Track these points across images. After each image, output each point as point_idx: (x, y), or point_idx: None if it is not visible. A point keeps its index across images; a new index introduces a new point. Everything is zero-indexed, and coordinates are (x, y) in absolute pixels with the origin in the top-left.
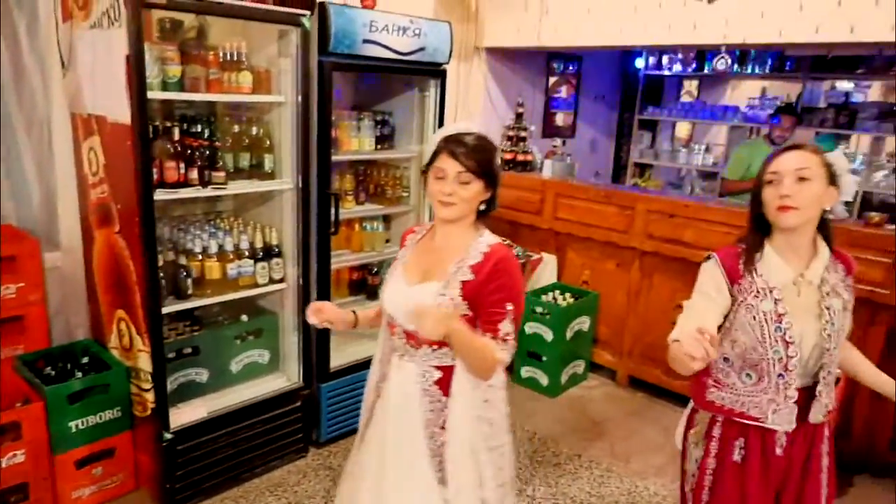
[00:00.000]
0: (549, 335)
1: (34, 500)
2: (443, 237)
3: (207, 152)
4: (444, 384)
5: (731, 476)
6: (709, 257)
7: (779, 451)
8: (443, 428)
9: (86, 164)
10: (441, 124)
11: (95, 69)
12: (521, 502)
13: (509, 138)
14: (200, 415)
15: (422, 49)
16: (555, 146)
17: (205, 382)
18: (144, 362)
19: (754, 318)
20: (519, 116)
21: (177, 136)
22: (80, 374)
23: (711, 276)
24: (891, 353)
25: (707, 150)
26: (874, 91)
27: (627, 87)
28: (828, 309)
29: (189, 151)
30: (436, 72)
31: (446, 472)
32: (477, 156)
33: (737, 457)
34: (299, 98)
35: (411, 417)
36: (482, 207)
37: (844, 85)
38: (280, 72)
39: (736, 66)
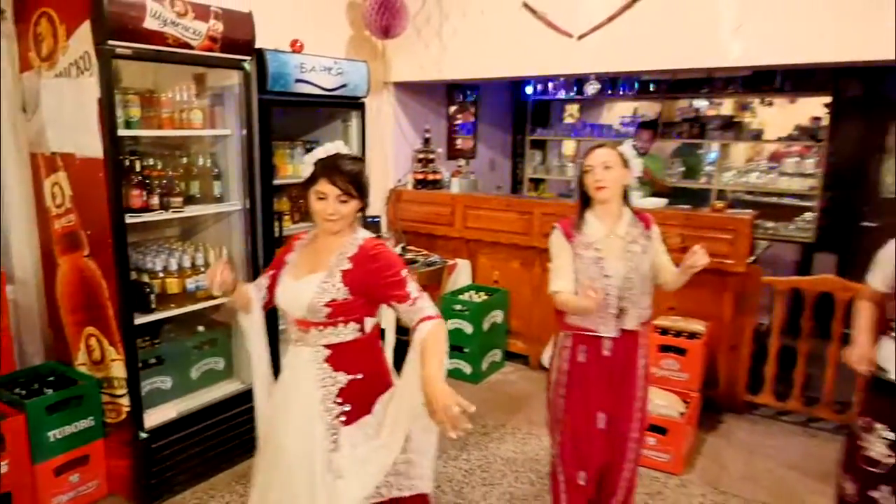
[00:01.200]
0: (468, 329)
1: None
2: (324, 239)
3: (165, 181)
4: (334, 360)
5: (578, 372)
6: (554, 228)
7: (606, 352)
8: (337, 402)
9: (48, 199)
10: (363, 150)
11: (62, 112)
12: (459, 466)
13: (419, 160)
14: (171, 415)
15: (344, 86)
16: (459, 166)
17: (169, 389)
18: (118, 370)
19: (584, 262)
20: (426, 141)
21: (138, 168)
22: (51, 391)
23: (557, 240)
24: (738, 310)
25: None
26: (727, 106)
27: (518, 112)
28: (630, 252)
29: (150, 181)
30: (356, 104)
31: (340, 441)
32: (352, 178)
33: (581, 358)
34: (243, 131)
35: (309, 394)
36: (358, 215)
37: (702, 102)
38: (225, 108)
39: (610, 90)
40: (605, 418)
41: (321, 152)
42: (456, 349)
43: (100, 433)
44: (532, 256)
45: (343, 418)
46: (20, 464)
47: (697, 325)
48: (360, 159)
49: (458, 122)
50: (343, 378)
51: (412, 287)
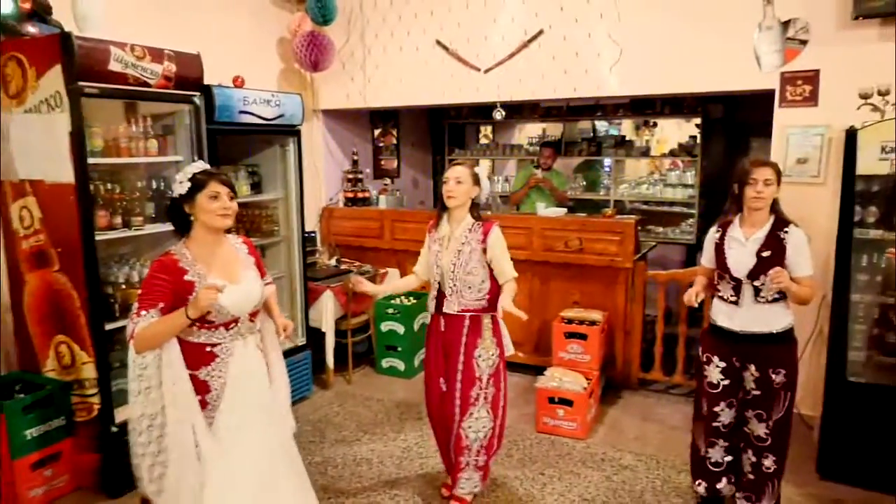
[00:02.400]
0: (401, 329)
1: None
2: (216, 246)
3: (126, 202)
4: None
5: (427, 343)
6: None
7: (441, 328)
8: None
9: (16, 221)
10: (300, 172)
11: (31, 144)
12: (397, 446)
13: (349, 180)
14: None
15: (282, 115)
16: (385, 184)
17: None
18: (89, 371)
19: (431, 253)
20: (355, 163)
21: (103, 192)
22: (23, 395)
23: (426, 236)
24: (629, 300)
25: (506, 180)
26: (625, 126)
27: (437, 135)
28: (459, 252)
29: (113, 202)
30: (293, 132)
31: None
32: (230, 181)
33: (433, 332)
34: (194, 157)
35: (261, 374)
36: None
37: (602, 123)
38: (177, 137)
39: (518, 114)
40: (444, 382)
41: (194, 168)
42: (390, 349)
43: (70, 431)
44: None
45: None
46: (1, 460)
47: (596, 315)
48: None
49: (382, 144)
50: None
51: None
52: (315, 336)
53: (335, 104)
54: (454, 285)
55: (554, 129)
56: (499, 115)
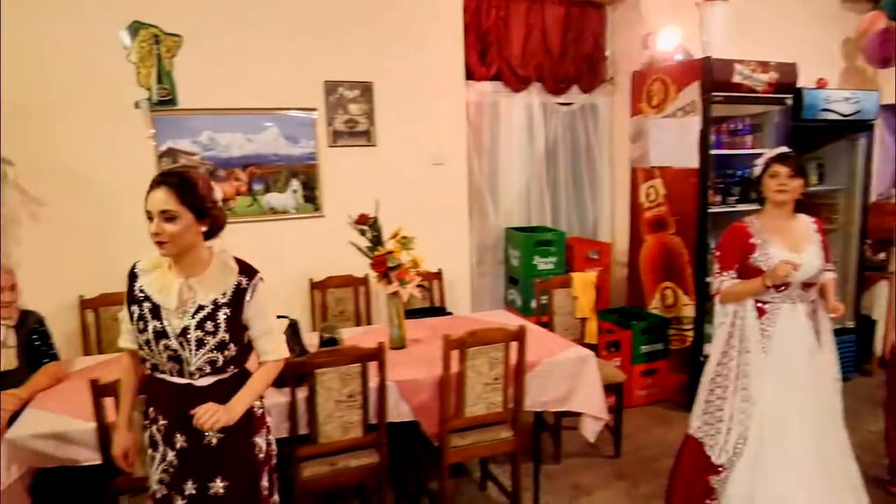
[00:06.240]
0: None
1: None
2: (784, 220)
3: (724, 185)
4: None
5: None
6: None
7: None
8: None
9: (642, 196)
10: (868, 166)
11: (663, 140)
12: None
13: None
14: None
15: (858, 112)
16: None
17: None
18: (688, 311)
19: None
20: None
21: (712, 176)
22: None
23: None
24: None
25: None
26: None
27: None
28: None
29: (716, 184)
30: (865, 126)
31: None
32: (794, 162)
33: None
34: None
35: (808, 340)
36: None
37: None
38: (764, 133)
39: None
40: None
41: (772, 152)
42: None
43: (665, 355)
44: None
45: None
46: (626, 363)
47: None
48: None
49: None
50: None
51: None
52: (864, 323)
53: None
54: None
55: None
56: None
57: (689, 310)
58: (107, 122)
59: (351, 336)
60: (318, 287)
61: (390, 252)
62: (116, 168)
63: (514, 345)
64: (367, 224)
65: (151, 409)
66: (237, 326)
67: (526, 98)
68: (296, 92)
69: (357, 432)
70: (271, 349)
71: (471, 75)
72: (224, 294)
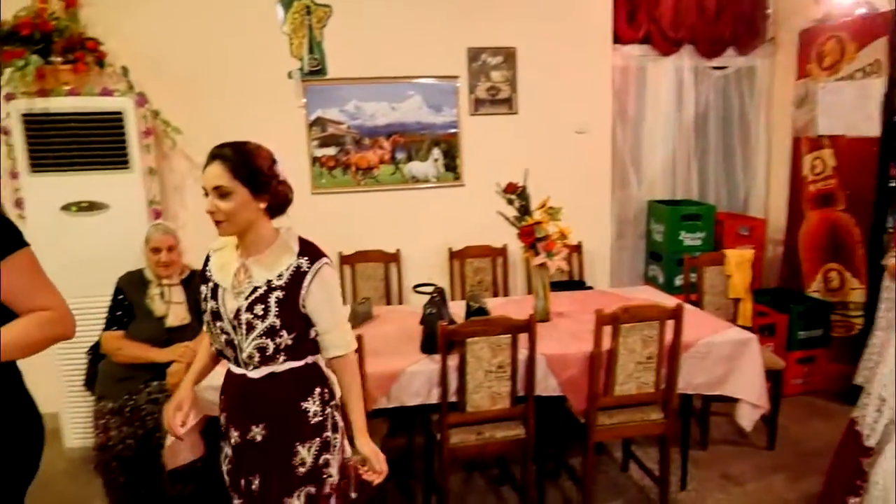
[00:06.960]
0: None
1: None
2: None
3: None
4: None
5: None
6: None
7: None
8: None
9: (806, 168)
10: None
11: (835, 106)
12: None
13: None
14: None
15: None
16: None
17: None
18: (857, 296)
19: None
20: None
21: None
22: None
23: None
24: None
25: None
26: None
27: None
28: None
29: None
30: None
31: None
32: None
33: None
34: None
35: None
36: None
37: None
38: None
39: None
40: None
41: None
42: None
43: (825, 343)
44: None
45: None
46: (779, 348)
47: None
48: None
49: None
50: None
51: None
52: None
53: None
54: None
55: None
56: None
57: (857, 294)
58: (262, 93)
59: (493, 306)
60: (456, 256)
61: (538, 222)
62: (270, 137)
63: (669, 323)
64: (516, 193)
65: (222, 397)
66: (291, 313)
67: (675, 62)
68: (439, 59)
69: (505, 403)
70: (342, 343)
71: (617, 39)
72: (280, 276)
